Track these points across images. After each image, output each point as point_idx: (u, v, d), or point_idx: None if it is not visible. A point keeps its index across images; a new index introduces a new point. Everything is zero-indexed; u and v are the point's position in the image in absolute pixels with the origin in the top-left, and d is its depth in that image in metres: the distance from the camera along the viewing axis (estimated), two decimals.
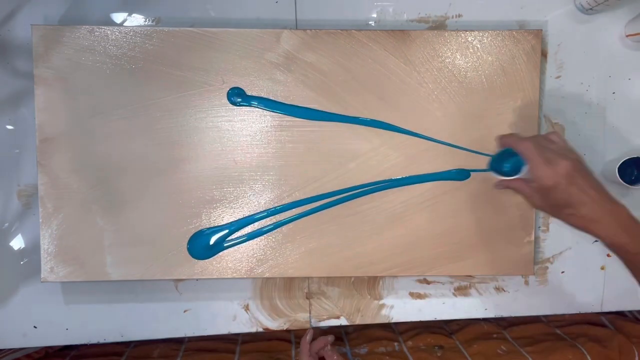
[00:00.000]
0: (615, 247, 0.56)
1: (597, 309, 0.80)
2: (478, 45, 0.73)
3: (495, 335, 0.81)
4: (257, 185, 0.73)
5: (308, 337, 0.73)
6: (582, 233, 0.79)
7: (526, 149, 0.59)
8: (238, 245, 0.73)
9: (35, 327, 0.76)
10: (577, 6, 0.77)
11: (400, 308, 0.79)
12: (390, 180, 0.73)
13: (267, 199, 0.73)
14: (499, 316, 0.80)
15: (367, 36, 0.72)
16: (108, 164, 0.72)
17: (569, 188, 0.56)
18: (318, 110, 0.72)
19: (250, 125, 0.72)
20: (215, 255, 0.72)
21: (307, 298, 0.78)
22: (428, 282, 0.79)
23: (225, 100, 0.72)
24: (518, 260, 0.75)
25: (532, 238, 0.75)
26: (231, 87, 0.72)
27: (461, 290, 0.79)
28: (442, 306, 0.79)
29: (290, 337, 0.83)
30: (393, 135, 0.73)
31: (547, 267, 0.79)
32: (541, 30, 0.74)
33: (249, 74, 0.72)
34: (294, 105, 0.72)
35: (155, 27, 0.73)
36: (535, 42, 0.73)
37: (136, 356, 0.79)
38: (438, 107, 0.73)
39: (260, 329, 0.78)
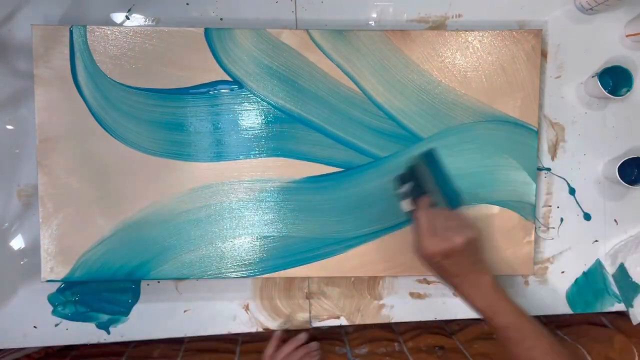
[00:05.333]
0: (488, 320, 0.59)
1: (598, 309, 0.80)
2: (478, 45, 0.73)
3: (495, 336, 0.81)
4: (256, 185, 0.73)
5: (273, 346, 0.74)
6: (582, 233, 0.79)
7: (419, 217, 0.60)
8: (239, 246, 0.73)
9: (35, 327, 0.76)
10: (577, 6, 0.77)
11: (401, 308, 0.79)
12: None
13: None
14: None
15: (367, 36, 0.72)
16: (108, 164, 0.72)
17: (443, 261, 0.58)
18: (316, 125, 0.72)
19: (251, 125, 0.72)
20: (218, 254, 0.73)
21: (307, 298, 0.78)
22: (428, 282, 0.79)
23: (226, 100, 0.72)
24: (518, 260, 0.75)
25: (532, 238, 0.75)
26: (231, 86, 0.72)
27: None
28: (442, 306, 0.79)
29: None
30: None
31: (547, 267, 0.79)
32: (541, 30, 0.74)
33: (249, 73, 0.72)
34: (296, 114, 0.72)
35: (155, 27, 0.73)
36: (535, 42, 0.73)
37: (136, 356, 0.79)
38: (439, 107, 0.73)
39: (260, 329, 0.78)
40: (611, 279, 0.79)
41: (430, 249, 0.58)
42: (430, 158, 0.69)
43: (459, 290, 0.60)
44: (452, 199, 0.69)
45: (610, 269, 0.79)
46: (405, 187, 0.66)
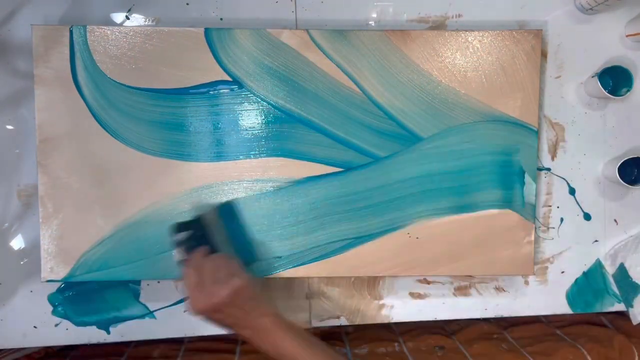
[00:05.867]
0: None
1: (597, 309, 0.80)
2: (478, 45, 0.73)
3: (495, 336, 0.81)
4: (256, 185, 0.73)
5: None
6: (582, 233, 0.79)
7: (185, 271, 0.58)
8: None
9: (35, 327, 0.76)
10: (577, 6, 0.77)
11: (401, 308, 0.79)
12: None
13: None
14: (499, 316, 0.80)
15: (367, 36, 0.72)
16: (108, 164, 0.72)
17: (215, 316, 0.56)
18: (316, 125, 0.72)
19: (251, 125, 0.72)
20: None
21: (307, 298, 0.78)
22: (428, 282, 0.79)
23: (226, 100, 0.72)
24: (518, 260, 0.75)
25: (532, 238, 0.75)
26: (231, 86, 0.72)
27: (461, 290, 0.79)
28: (442, 306, 0.79)
29: None
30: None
31: (547, 267, 0.79)
32: (541, 30, 0.74)
33: (249, 73, 0.72)
34: (296, 114, 0.72)
35: (155, 27, 0.73)
36: (535, 42, 0.73)
37: (136, 356, 0.79)
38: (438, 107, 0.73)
39: None
40: (611, 279, 0.79)
41: (198, 306, 0.55)
42: (226, 211, 0.69)
43: (249, 341, 0.57)
44: (246, 255, 0.68)
45: (610, 269, 0.79)
46: (182, 236, 0.63)
